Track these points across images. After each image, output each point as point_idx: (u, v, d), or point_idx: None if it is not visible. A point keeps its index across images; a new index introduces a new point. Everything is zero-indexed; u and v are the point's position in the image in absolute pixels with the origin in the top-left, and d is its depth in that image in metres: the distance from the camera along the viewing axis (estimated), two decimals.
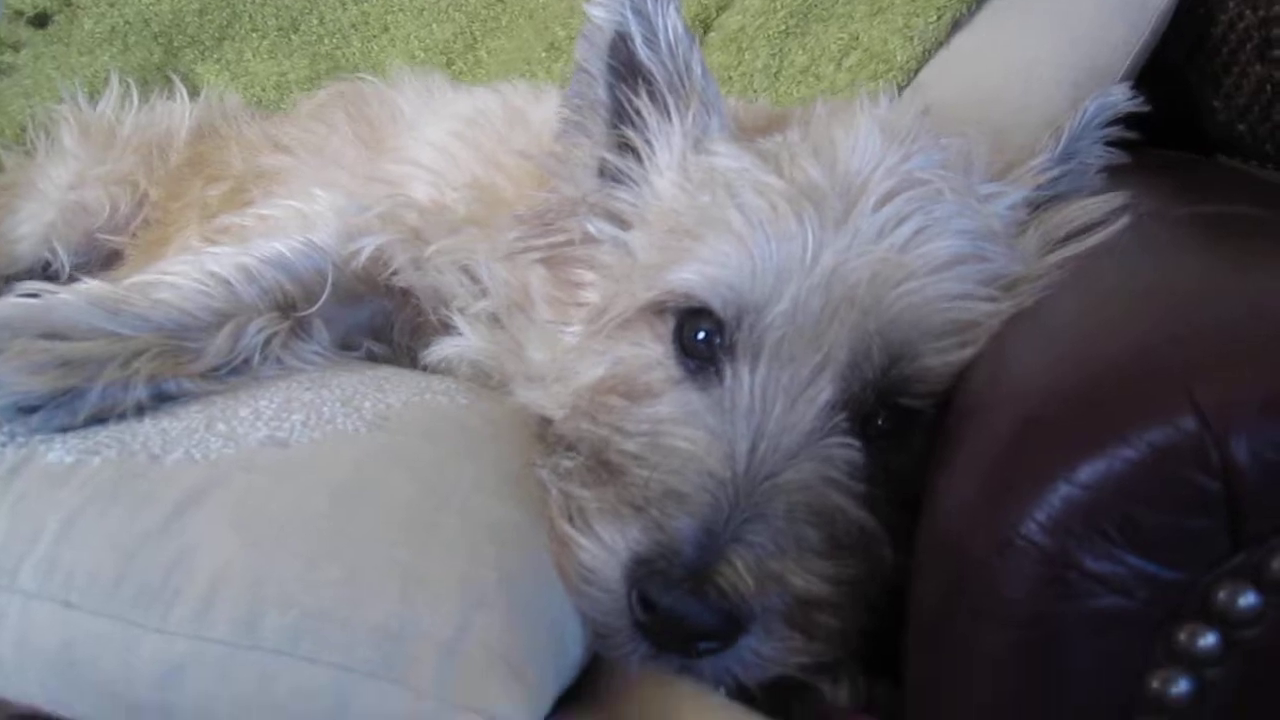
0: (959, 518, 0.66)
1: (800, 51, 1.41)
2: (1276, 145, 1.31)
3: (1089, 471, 0.59)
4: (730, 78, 1.43)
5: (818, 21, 1.41)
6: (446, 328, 1.05)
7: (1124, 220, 0.88)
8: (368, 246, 1.03)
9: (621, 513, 0.78)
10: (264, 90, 1.89)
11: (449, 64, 1.91)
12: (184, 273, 0.95)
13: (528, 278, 0.99)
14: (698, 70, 0.94)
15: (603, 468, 0.82)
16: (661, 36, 0.93)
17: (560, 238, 0.98)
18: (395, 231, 1.05)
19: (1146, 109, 0.97)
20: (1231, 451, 0.56)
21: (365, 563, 0.73)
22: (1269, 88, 1.30)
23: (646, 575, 0.75)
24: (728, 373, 0.83)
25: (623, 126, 0.97)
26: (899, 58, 1.33)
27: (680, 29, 0.93)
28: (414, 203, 1.11)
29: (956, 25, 1.34)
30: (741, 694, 0.76)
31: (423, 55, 1.91)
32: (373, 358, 1.07)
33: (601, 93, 0.97)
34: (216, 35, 1.96)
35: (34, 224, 1.60)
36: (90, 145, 1.62)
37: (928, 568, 0.70)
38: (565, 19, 1.75)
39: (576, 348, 0.93)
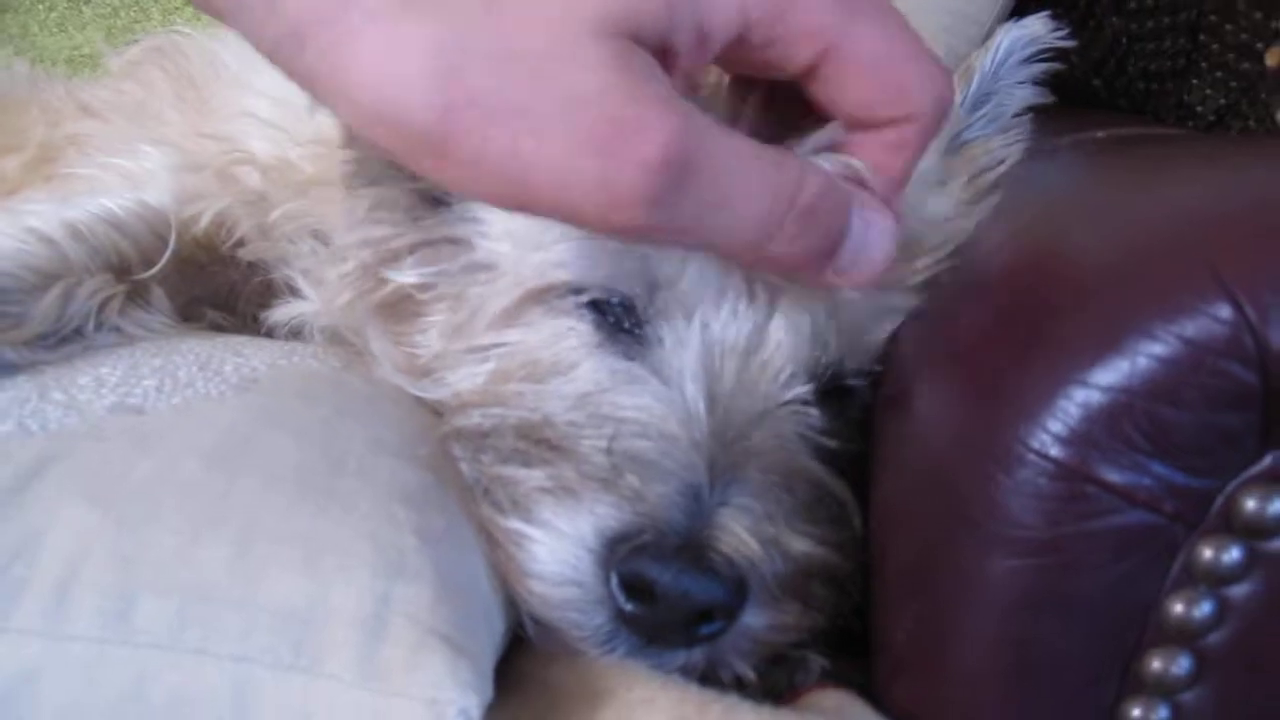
0: (953, 439, 0.60)
1: None
2: (1130, 99, 1.32)
3: (1109, 372, 0.53)
4: None
5: None
6: (290, 290, 0.93)
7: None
8: (207, 211, 0.91)
9: (579, 491, 0.67)
10: (54, 66, 1.71)
11: None
12: (1, 230, 0.82)
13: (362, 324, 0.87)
14: None
15: (538, 447, 0.71)
16: None
17: (388, 290, 0.85)
18: (236, 194, 0.93)
19: (1071, 42, 0.89)
20: (1268, 339, 0.51)
21: (256, 533, 0.61)
22: (1124, 40, 1.30)
23: (631, 554, 0.65)
24: (664, 334, 0.75)
25: None
26: None
27: None
28: (255, 159, 0.99)
29: None
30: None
31: None
32: (218, 329, 0.94)
33: None
34: None
35: None
36: None
37: (912, 507, 0.64)
38: None
39: (441, 355, 0.82)
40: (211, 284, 0.94)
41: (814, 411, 0.75)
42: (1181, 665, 0.56)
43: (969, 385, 0.61)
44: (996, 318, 0.62)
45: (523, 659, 0.67)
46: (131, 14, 1.83)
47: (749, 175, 0.54)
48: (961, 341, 0.65)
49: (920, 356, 0.71)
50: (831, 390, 0.78)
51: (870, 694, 0.65)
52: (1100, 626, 0.56)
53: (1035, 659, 0.57)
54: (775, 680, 0.67)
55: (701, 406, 0.71)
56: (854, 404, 0.79)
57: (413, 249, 0.84)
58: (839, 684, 0.66)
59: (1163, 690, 0.56)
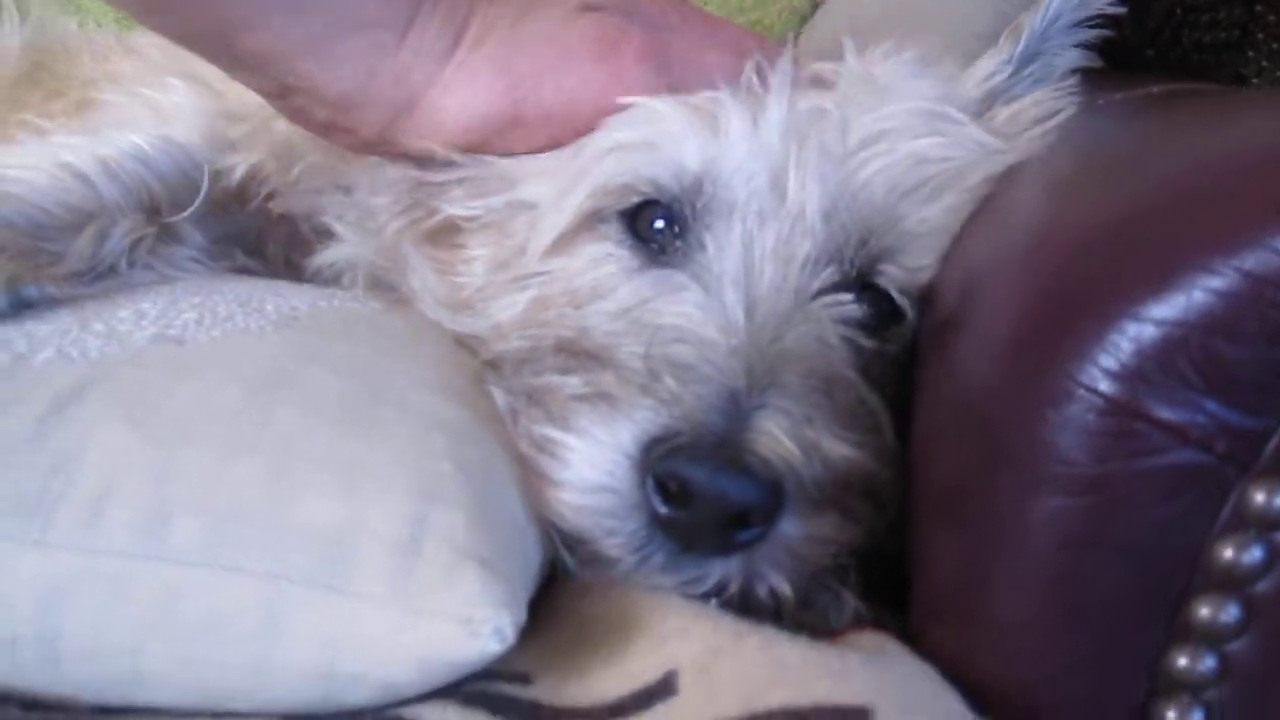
0: (999, 372, 0.58)
1: None
2: (1185, 70, 1.29)
3: (1164, 306, 0.51)
4: None
5: None
6: (327, 237, 0.93)
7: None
8: (242, 164, 0.91)
9: (617, 396, 0.66)
10: (100, 28, 1.72)
11: None
12: (33, 164, 0.82)
13: (402, 250, 0.88)
14: None
15: (577, 359, 0.71)
16: None
17: (435, 220, 0.85)
18: (269, 146, 0.92)
19: (1121, 9, 0.88)
20: None
21: (293, 456, 0.61)
22: (1179, 10, 1.28)
23: (668, 454, 0.63)
24: (705, 238, 0.75)
25: None
26: None
27: None
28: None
29: None
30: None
31: None
32: (247, 271, 0.94)
33: None
34: None
35: None
36: None
37: (952, 442, 0.62)
38: None
39: (483, 288, 0.82)
40: (239, 227, 0.94)
41: (846, 298, 0.75)
42: (1230, 613, 0.54)
43: (1017, 317, 0.59)
44: (1048, 250, 0.60)
45: (557, 593, 0.67)
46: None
47: (705, 47, 0.82)
48: (1011, 273, 0.63)
49: (968, 284, 0.70)
50: (866, 288, 0.78)
51: (907, 636, 0.64)
52: (1147, 570, 0.55)
53: (1079, 603, 0.56)
54: (811, 621, 0.66)
55: (740, 312, 0.71)
56: (894, 316, 0.79)
57: (462, 182, 0.83)
58: (875, 626, 0.65)
59: (1210, 638, 0.55)
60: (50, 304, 0.77)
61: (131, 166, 0.84)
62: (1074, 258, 0.58)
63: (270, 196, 0.92)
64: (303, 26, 0.76)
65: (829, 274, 0.74)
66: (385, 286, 0.90)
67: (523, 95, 0.80)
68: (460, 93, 0.79)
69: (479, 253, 0.83)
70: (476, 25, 0.80)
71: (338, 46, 0.76)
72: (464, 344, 0.81)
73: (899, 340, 0.77)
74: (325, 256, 0.90)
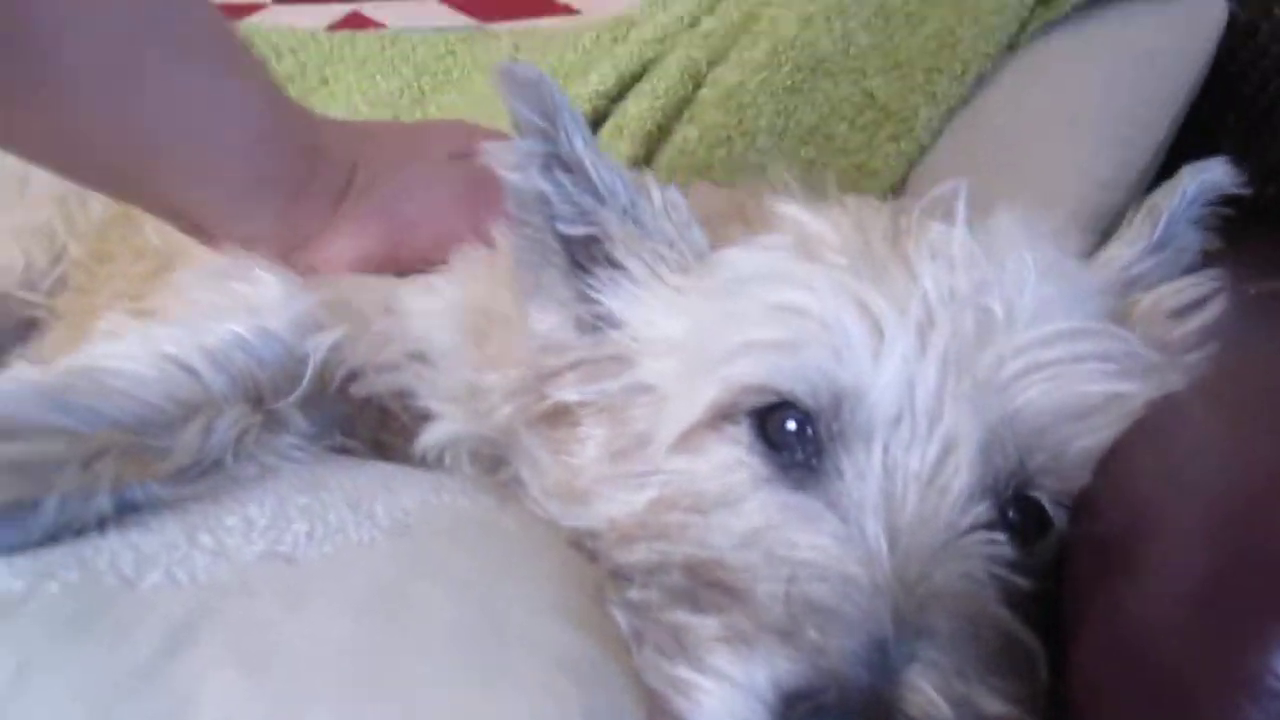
0: (1180, 636, 0.53)
1: (808, 109, 1.29)
2: None
3: None
4: (730, 137, 1.31)
5: (826, 77, 1.30)
6: (421, 419, 0.89)
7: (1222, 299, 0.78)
8: (321, 347, 0.88)
9: (754, 640, 0.62)
10: None
11: (395, 119, 1.77)
12: (136, 356, 0.80)
13: (514, 433, 0.85)
14: (655, 195, 0.80)
15: (709, 590, 0.66)
16: (596, 179, 0.79)
17: (548, 404, 0.82)
18: (346, 323, 0.89)
19: (1248, 190, 0.85)
20: None
21: (419, 708, 0.57)
22: None
23: (811, 712, 0.59)
24: (843, 464, 0.70)
25: (588, 267, 0.83)
26: (920, 116, 1.22)
27: (616, 172, 0.80)
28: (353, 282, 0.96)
29: (980, 81, 1.24)
30: None
31: (366, 110, 1.77)
32: (345, 452, 0.91)
33: (552, 241, 0.82)
34: None
35: None
36: None
37: (1125, 700, 0.57)
38: None
39: (602, 477, 0.78)
40: (332, 410, 0.91)
41: (1000, 537, 0.70)
42: None
43: (1204, 574, 0.54)
44: (1239, 499, 0.55)
45: None
46: None
47: None
48: (1193, 515, 0.58)
49: (1134, 509, 0.65)
50: (1019, 507, 0.72)
51: None
52: None
53: None
54: None
55: (883, 544, 0.66)
56: (1047, 535, 0.73)
57: (574, 366, 0.81)
58: None
59: None
60: (156, 506, 0.74)
61: (236, 356, 0.82)
62: (1273, 515, 0.53)
63: (351, 378, 0.89)
64: (211, 189, 0.91)
65: (982, 510, 0.69)
66: (491, 462, 0.87)
67: (400, 239, 0.97)
68: (346, 237, 0.96)
69: (594, 433, 0.80)
70: (361, 176, 0.97)
71: (243, 203, 0.92)
72: (579, 543, 0.77)
73: (1046, 552, 0.72)
74: (427, 439, 0.87)
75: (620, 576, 0.73)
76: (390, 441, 0.93)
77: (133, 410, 0.76)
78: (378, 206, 0.97)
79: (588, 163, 0.78)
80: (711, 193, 1.02)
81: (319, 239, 0.95)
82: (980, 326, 0.70)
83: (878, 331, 0.70)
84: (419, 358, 0.89)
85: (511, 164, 0.79)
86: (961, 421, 0.68)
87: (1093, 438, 0.70)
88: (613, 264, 0.80)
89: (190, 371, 0.79)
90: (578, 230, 0.81)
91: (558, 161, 0.79)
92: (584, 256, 0.82)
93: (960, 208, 0.75)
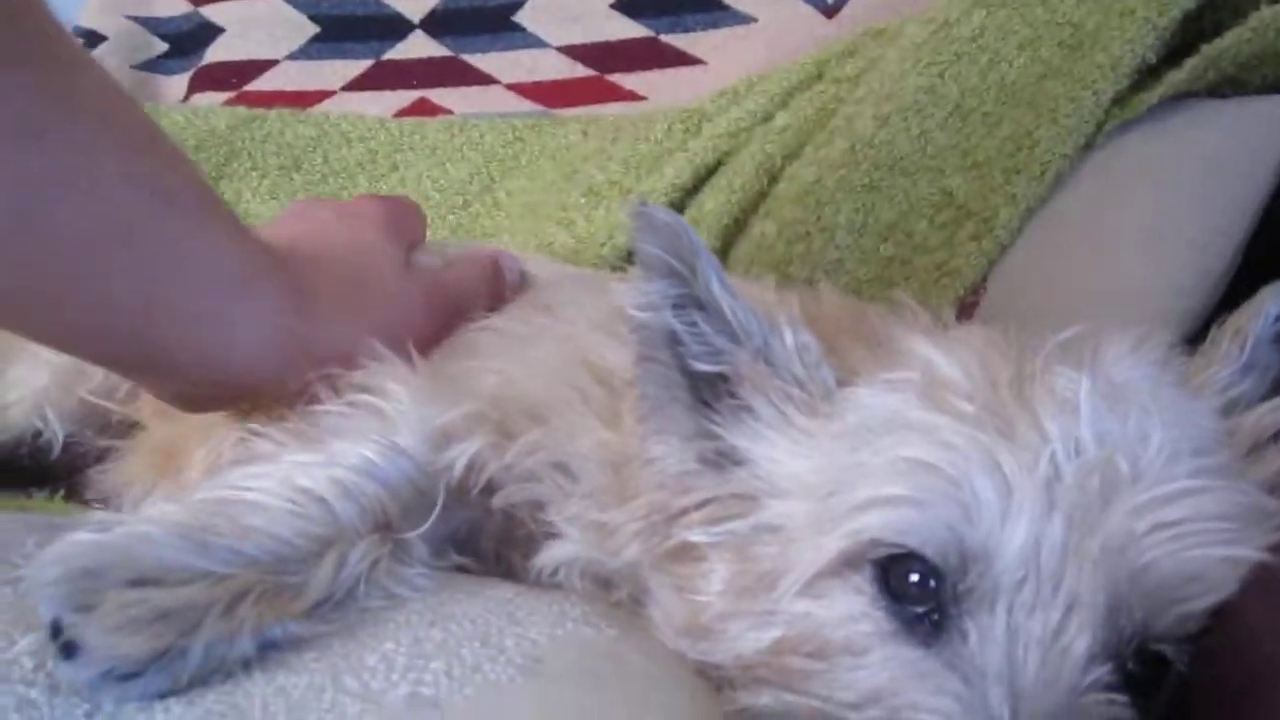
0: None
1: (887, 206, 1.31)
2: None
3: None
4: (808, 233, 1.33)
5: (905, 176, 1.32)
6: (546, 535, 0.91)
7: None
8: (462, 457, 0.89)
9: None
10: None
11: (465, 205, 1.81)
12: (268, 489, 0.82)
13: (641, 574, 0.86)
14: (788, 336, 0.81)
15: None
16: (732, 320, 0.81)
17: (672, 544, 0.83)
18: (485, 434, 0.91)
19: None
20: None
21: None
22: None
23: None
24: (966, 625, 0.71)
25: (712, 404, 0.84)
26: (1000, 216, 1.24)
27: (751, 313, 0.81)
28: (494, 395, 0.97)
29: (1059, 180, 1.26)
30: None
31: (437, 196, 1.81)
32: (461, 569, 0.93)
33: (678, 377, 0.84)
34: (213, 174, 1.85)
35: (23, 389, 1.42)
36: None
37: None
38: (601, 162, 1.65)
39: (727, 614, 0.79)
40: (456, 524, 0.93)
41: (1121, 698, 0.70)
42: None
43: None
44: None
45: None
46: (340, 180, 1.89)
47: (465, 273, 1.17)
48: None
49: (1254, 670, 0.66)
50: (1140, 659, 0.73)
51: None
52: None
53: None
54: None
55: (1005, 711, 0.67)
56: (1164, 682, 0.74)
57: (700, 505, 0.82)
58: None
59: None
60: (295, 642, 0.76)
61: (366, 485, 0.84)
62: None
63: (489, 489, 0.91)
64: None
65: (1104, 672, 0.70)
66: (605, 581, 0.89)
67: (288, 367, 0.98)
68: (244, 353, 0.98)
69: (719, 569, 0.81)
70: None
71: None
72: (704, 673, 0.79)
73: (1166, 694, 0.73)
74: (547, 558, 0.89)
75: (745, 715, 0.74)
76: (507, 554, 0.95)
77: (270, 549, 0.78)
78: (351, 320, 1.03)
79: (725, 305, 0.80)
80: (836, 303, 1.03)
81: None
82: (1105, 483, 0.71)
83: (1007, 491, 0.70)
84: (562, 469, 0.90)
85: (643, 304, 0.81)
86: (1084, 583, 0.69)
87: (1214, 596, 0.71)
88: (738, 401, 0.82)
89: (321, 503, 0.81)
90: (709, 367, 0.82)
91: (692, 301, 0.81)
92: (709, 393, 0.83)
93: (1088, 355, 0.77)
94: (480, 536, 0.95)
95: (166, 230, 0.90)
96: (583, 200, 1.60)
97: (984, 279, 1.25)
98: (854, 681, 0.72)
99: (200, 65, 2.09)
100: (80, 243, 0.85)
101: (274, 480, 0.82)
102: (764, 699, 0.74)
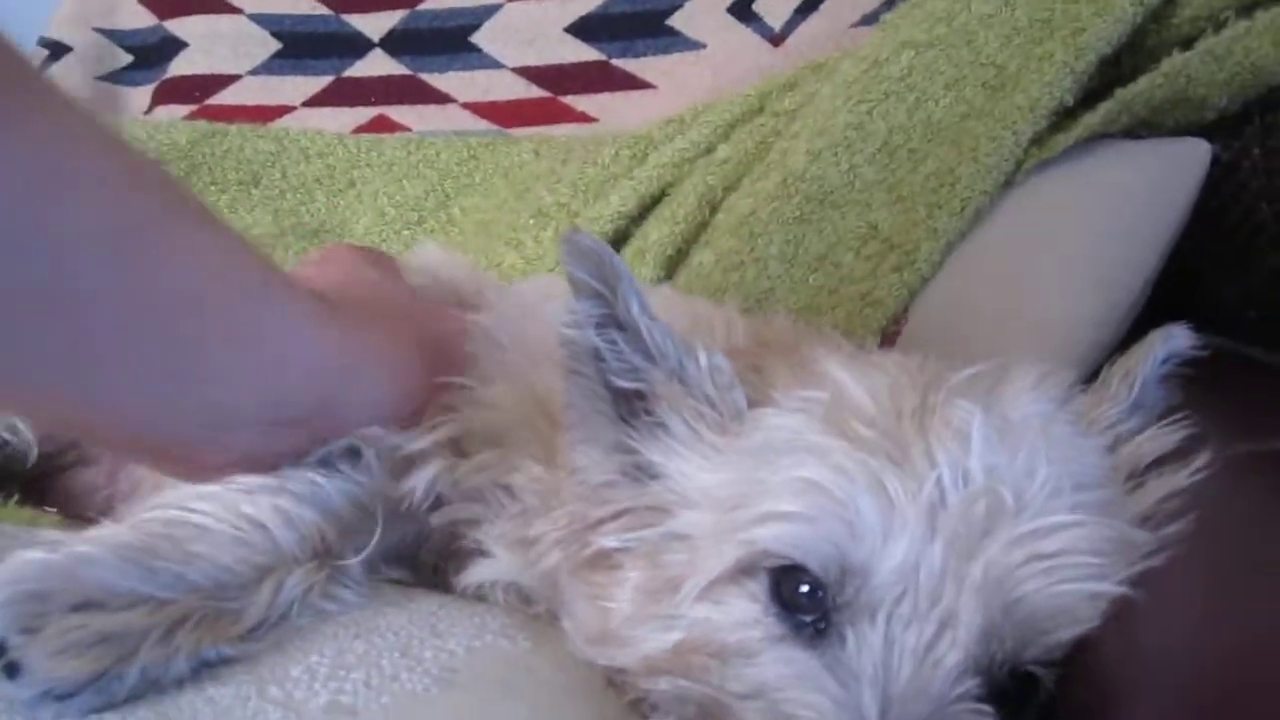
0: None
1: (816, 238, 1.37)
2: None
3: None
4: (743, 263, 1.39)
5: (833, 208, 1.38)
6: (476, 552, 0.96)
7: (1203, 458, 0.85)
8: (420, 484, 0.95)
9: None
10: None
11: (420, 222, 1.86)
12: (214, 513, 0.86)
13: (559, 581, 0.91)
14: (702, 358, 0.86)
15: None
16: (648, 340, 0.86)
17: (589, 551, 0.89)
18: (443, 456, 0.97)
19: (1206, 353, 0.95)
20: None
21: None
22: None
23: None
24: (847, 634, 0.77)
25: (631, 421, 0.90)
26: (922, 249, 1.30)
27: (667, 335, 0.86)
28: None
29: (979, 216, 1.32)
30: None
31: (393, 212, 1.86)
32: (394, 582, 0.98)
33: (602, 390, 0.90)
34: None
35: None
36: None
37: None
38: (550, 183, 1.70)
39: (635, 618, 0.85)
40: (395, 536, 0.98)
41: (987, 709, 0.76)
42: None
43: None
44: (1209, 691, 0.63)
45: None
46: (298, 196, 1.93)
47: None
48: (1164, 699, 0.65)
49: (1105, 690, 0.72)
50: (1012, 676, 0.79)
51: None
52: None
53: None
54: None
55: (874, 711, 0.73)
56: (1033, 698, 0.80)
57: (618, 515, 0.88)
58: None
59: None
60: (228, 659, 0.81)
61: (306, 514, 0.88)
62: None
63: (436, 505, 0.96)
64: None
65: (975, 685, 0.75)
66: (529, 600, 0.94)
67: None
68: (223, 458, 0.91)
69: (631, 575, 0.87)
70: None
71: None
72: (610, 680, 0.84)
73: (1033, 711, 0.79)
74: (472, 576, 0.94)
75: (644, 703, 0.81)
76: (444, 566, 1.00)
77: (212, 575, 0.82)
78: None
79: (643, 326, 0.86)
80: (785, 328, 1.11)
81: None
82: (989, 513, 0.77)
83: (890, 513, 0.76)
84: (505, 489, 0.95)
85: (570, 322, 0.87)
86: (962, 603, 0.75)
87: (1078, 629, 0.77)
88: (654, 418, 0.88)
89: (262, 529, 0.86)
90: (627, 384, 0.88)
91: (613, 321, 0.87)
92: (627, 411, 0.89)
93: (990, 389, 0.84)
94: (420, 549, 1.00)
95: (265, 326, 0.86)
96: (531, 221, 1.65)
97: (905, 309, 1.31)
98: (744, 677, 0.78)
99: (164, 78, 2.12)
100: None
101: (220, 504, 0.86)
102: (661, 684, 0.80)
